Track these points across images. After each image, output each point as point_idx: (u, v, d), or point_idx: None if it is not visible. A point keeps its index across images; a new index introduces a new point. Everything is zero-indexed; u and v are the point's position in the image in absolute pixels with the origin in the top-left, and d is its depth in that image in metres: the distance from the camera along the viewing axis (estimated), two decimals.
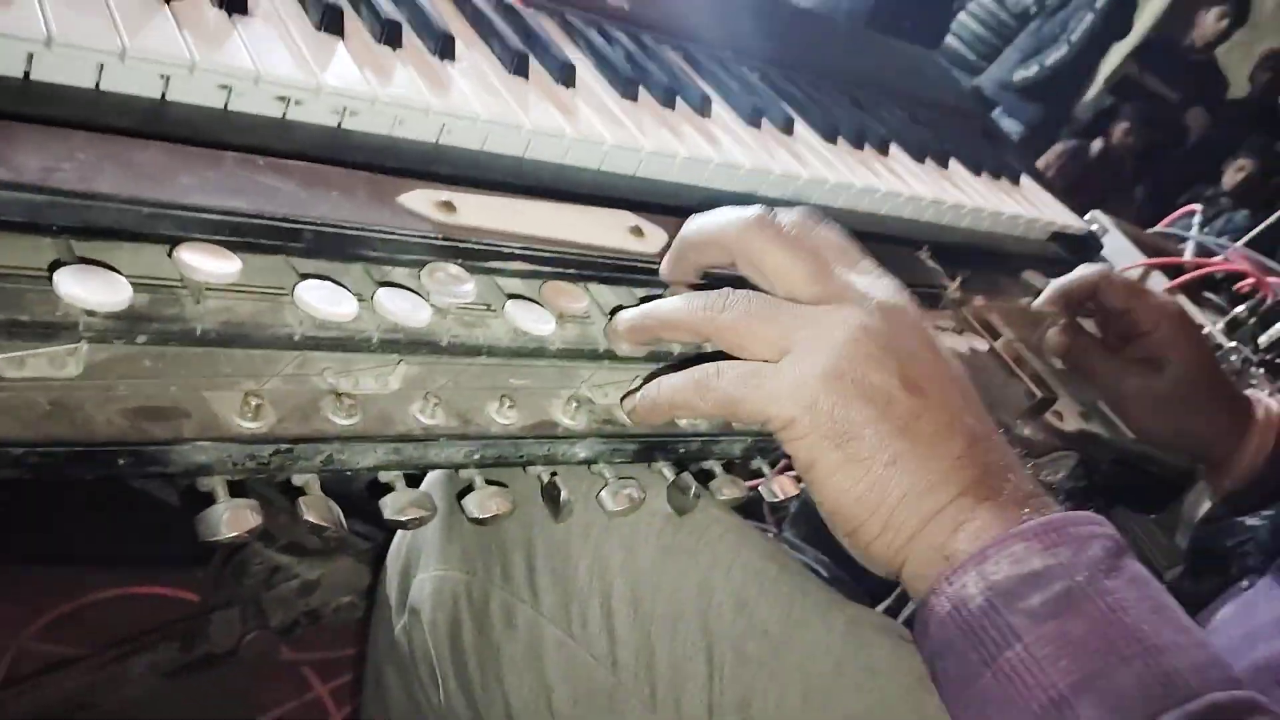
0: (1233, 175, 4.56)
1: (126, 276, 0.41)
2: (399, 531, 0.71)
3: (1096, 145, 4.92)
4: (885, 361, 0.48)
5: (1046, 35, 4.68)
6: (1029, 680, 0.42)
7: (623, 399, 0.56)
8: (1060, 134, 4.90)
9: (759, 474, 0.67)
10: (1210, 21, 5.02)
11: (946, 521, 0.47)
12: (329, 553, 0.90)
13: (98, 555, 1.13)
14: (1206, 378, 0.85)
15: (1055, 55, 4.65)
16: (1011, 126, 4.86)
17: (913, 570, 0.48)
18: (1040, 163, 4.89)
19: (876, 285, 0.52)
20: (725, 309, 0.50)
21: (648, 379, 0.55)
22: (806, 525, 1.74)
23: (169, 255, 0.43)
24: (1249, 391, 0.90)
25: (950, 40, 4.92)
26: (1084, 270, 0.85)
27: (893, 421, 0.47)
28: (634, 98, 0.76)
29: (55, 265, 0.41)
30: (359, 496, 0.56)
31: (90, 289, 0.40)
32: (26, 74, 0.48)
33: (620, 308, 0.58)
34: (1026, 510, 0.47)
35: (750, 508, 1.55)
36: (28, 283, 0.42)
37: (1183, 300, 1.43)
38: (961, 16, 4.96)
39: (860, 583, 1.29)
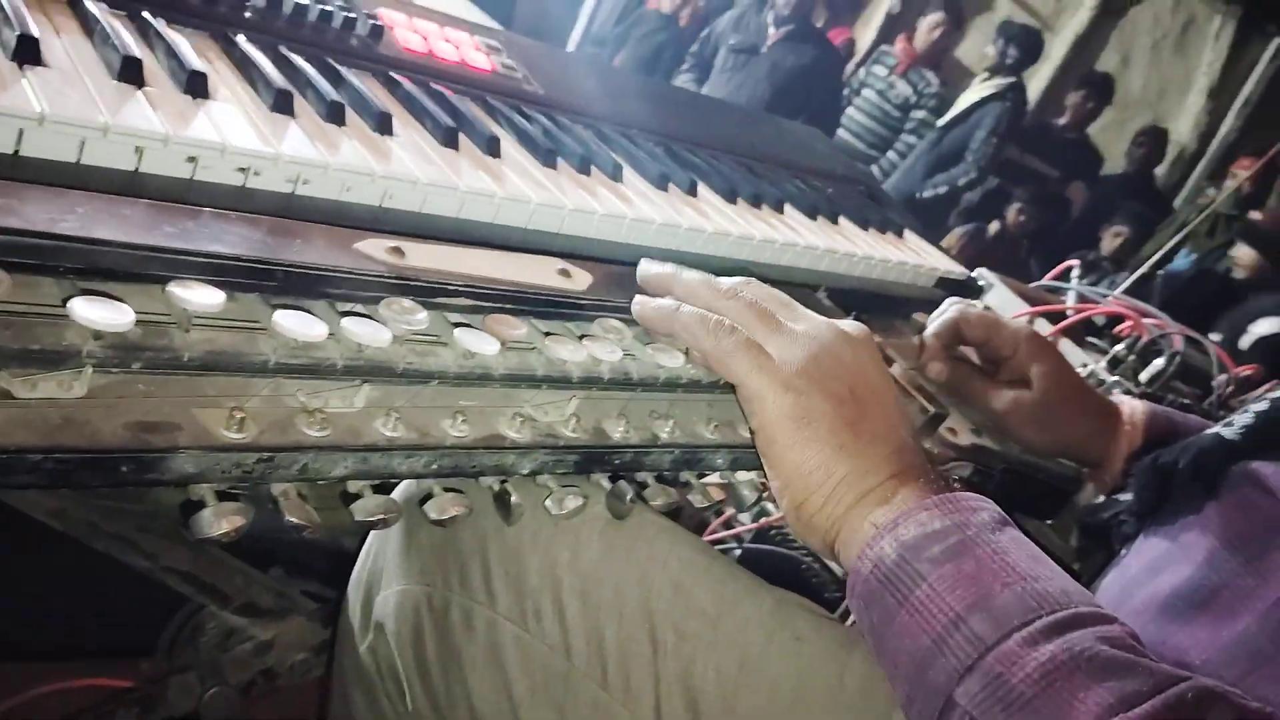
0: (1110, 240, 4.89)
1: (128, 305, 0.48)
2: (359, 561, 0.76)
3: (994, 227, 5.22)
4: (842, 374, 0.61)
5: (947, 151, 5.00)
6: (932, 609, 0.52)
7: (635, 301, 0.68)
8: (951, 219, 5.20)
9: (686, 485, 0.74)
10: (1076, 102, 5.41)
11: (873, 500, 0.58)
12: (283, 613, 0.93)
13: (37, 651, 1.14)
14: (1069, 387, 0.94)
15: (965, 177, 4.98)
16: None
17: (844, 538, 0.59)
18: (943, 244, 5.16)
19: (840, 322, 0.67)
20: (739, 296, 0.66)
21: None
22: None
23: (161, 292, 0.50)
24: (1113, 396, 1.00)
25: (840, 133, 5.24)
26: (945, 313, 0.95)
27: (844, 418, 0.59)
28: (553, 166, 0.85)
29: (67, 299, 0.47)
30: (308, 555, 0.62)
31: (100, 313, 0.46)
32: (16, 151, 0.55)
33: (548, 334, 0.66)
34: (934, 492, 0.58)
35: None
36: (37, 318, 0.48)
37: (1066, 343, 1.56)
38: (849, 110, 5.29)
39: None
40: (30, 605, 1.08)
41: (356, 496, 0.57)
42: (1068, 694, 0.46)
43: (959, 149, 5.04)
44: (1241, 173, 4.57)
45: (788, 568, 1.78)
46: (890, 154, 5.31)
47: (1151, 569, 0.66)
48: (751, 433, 0.63)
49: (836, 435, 0.59)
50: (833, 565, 1.76)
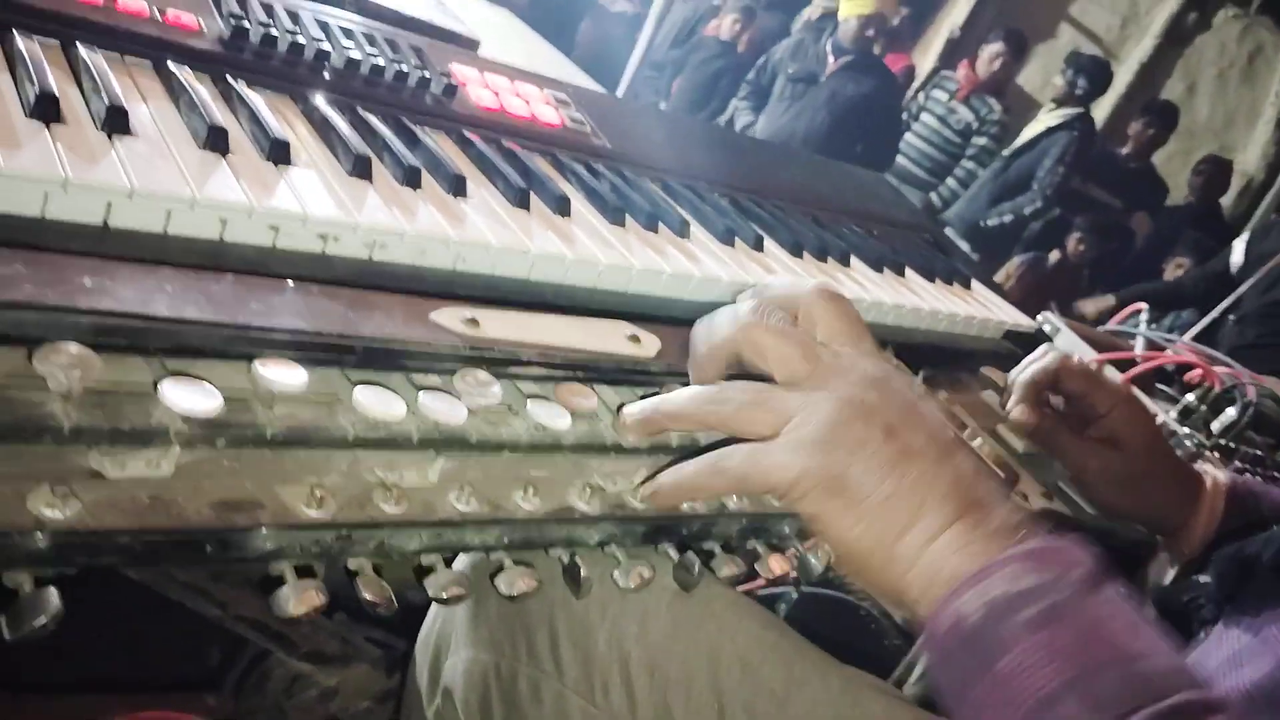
0: (1172, 272, 4.79)
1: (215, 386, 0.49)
2: (427, 622, 0.77)
3: (1054, 256, 5.15)
4: (869, 419, 0.55)
5: (1014, 179, 4.95)
6: (1021, 684, 0.48)
7: (637, 487, 0.62)
8: (1014, 248, 5.14)
9: (756, 554, 0.73)
10: (1139, 131, 5.32)
11: (943, 549, 0.53)
12: (347, 659, 0.94)
13: (105, 681, 1.16)
14: (1159, 454, 0.92)
15: (1031, 206, 4.93)
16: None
17: (916, 595, 0.53)
18: (1000, 274, 5.11)
19: (861, 360, 0.59)
20: (726, 401, 0.57)
21: (658, 470, 0.62)
22: (798, 629, 1.78)
23: (247, 370, 0.51)
24: (1197, 465, 0.98)
25: (900, 160, 5.20)
26: (1044, 360, 0.92)
27: (880, 467, 0.54)
28: (621, 224, 0.85)
29: (156, 381, 0.48)
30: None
31: (189, 398, 0.47)
32: (106, 221, 0.56)
33: (623, 404, 0.66)
34: (1018, 536, 0.53)
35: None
36: (126, 397, 0.49)
37: (1135, 393, 1.53)
38: (909, 136, 5.25)
39: None
40: (98, 636, 1.11)
41: (430, 569, 0.57)
42: None
43: (1025, 177, 4.98)
44: None
45: (845, 612, 1.76)
46: (950, 180, 5.26)
47: (1233, 661, 0.64)
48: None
49: (877, 487, 0.54)
50: (892, 612, 1.74)
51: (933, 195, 5.27)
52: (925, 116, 5.26)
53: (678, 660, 0.64)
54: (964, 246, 5.13)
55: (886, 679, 1.45)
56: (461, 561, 0.70)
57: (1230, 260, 4.08)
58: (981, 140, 5.19)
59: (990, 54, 5.11)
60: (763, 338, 0.59)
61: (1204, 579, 0.74)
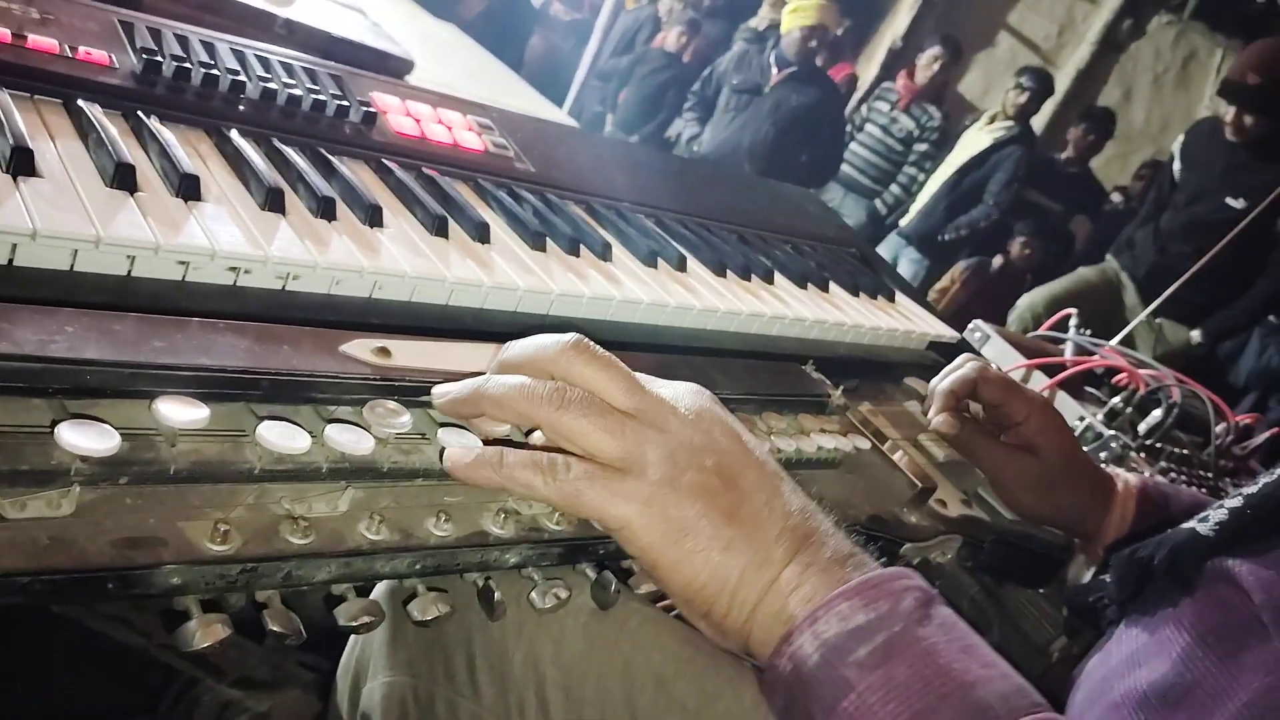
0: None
1: (113, 426, 0.49)
2: (347, 648, 0.77)
3: (997, 260, 5.23)
4: (705, 461, 0.54)
5: (967, 192, 5.05)
6: None
7: (443, 453, 0.58)
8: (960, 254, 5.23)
9: None
10: (1078, 136, 5.44)
11: (781, 590, 0.53)
12: (278, 685, 0.94)
13: (32, 712, 1.14)
14: (1073, 460, 0.95)
15: (985, 220, 5.05)
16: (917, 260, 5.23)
17: (758, 638, 0.54)
18: (945, 279, 5.20)
19: (682, 395, 0.58)
20: (565, 403, 0.54)
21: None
22: None
23: (148, 408, 0.51)
24: (1116, 468, 1.01)
25: (846, 169, 5.27)
26: (963, 369, 0.95)
27: (720, 512, 0.53)
28: (543, 249, 0.87)
29: (54, 422, 0.48)
30: (304, 627, 0.63)
31: (86, 438, 0.47)
32: (10, 261, 0.56)
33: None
34: (847, 570, 0.53)
35: None
36: (26, 437, 0.49)
37: (1063, 395, 1.56)
38: (854, 146, 5.33)
39: None
40: (28, 670, 1.09)
41: (341, 599, 0.58)
42: None
43: (977, 190, 5.08)
44: None
45: None
46: (894, 187, 5.35)
47: (1131, 662, 0.67)
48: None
49: (719, 535, 0.53)
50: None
51: (877, 202, 5.35)
52: (869, 127, 5.34)
53: (593, 679, 0.65)
54: (916, 256, 5.24)
55: None
56: (381, 588, 0.71)
57: (1174, 168, 4.03)
58: (923, 147, 5.29)
59: (928, 58, 5.20)
60: (587, 367, 0.55)
61: (1108, 579, 0.76)
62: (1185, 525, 0.69)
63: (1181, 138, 4.07)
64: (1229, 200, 3.70)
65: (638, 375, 0.57)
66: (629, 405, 0.55)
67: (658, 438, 0.54)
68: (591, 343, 0.57)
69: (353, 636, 0.76)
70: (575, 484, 0.53)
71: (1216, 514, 0.68)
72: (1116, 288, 4.07)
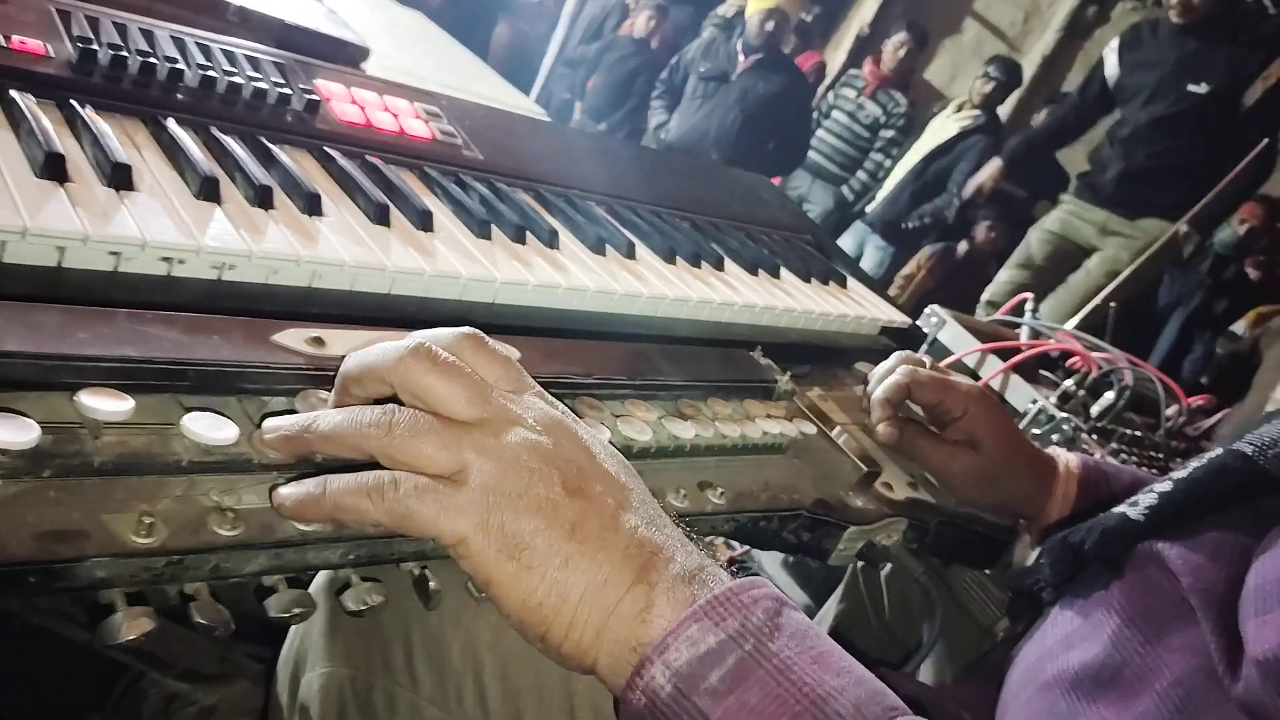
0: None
1: (35, 420, 0.49)
2: (287, 640, 0.77)
3: (962, 246, 5.27)
4: (548, 473, 0.51)
5: (931, 180, 5.08)
6: None
7: (271, 490, 0.55)
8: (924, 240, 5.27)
9: None
10: (1043, 119, 5.48)
11: (626, 613, 0.50)
12: (226, 677, 0.94)
13: None
14: (1014, 449, 0.96)
15: (949, 208, 5.09)
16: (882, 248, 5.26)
17: (606, 665, 0.51)
18: (910, 265, 5.23)
19: (532, 404, 0.55)
20: (393, 428, 0.51)
21: (296, 476, 0.55)
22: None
23: (70, 400, 0.51)
24: (1050, 449, 1.02)
25: (813, 155, 5.29)
26: (895, 375, 0.95)
27: (560, 527, 0.50)
28: (488, 236, 0.87)
29: None
30: (249, 619, 0.63)
31: (4, 432, 0.47)
32: None
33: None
34: (695, 587, 0.51)
35: None
36: None
37: (1016, 379, 1.58)
38: (821, 133, 5.35)
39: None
40: None
41: (272, 590, 0.58)
42: None
43: (942, 178, 5.11)
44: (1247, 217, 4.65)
45: None
46: (860, 174, 5.38)
47: (1064, 643, 0.68)
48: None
49: (557, 550, 0.50)
50: (795, 601, 1.77)
51: (844, 189, 5.37)
52: (835, 114, 5.36)
53: (531, 666, 0.66)
54: (881, 244, 5.26)
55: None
56: (319, 578, 0.71)
57: (1105, 74, 4.04)
58: (889, 133, 5.31)
59: (894, 44, 5.22)
60: (426, 376, 0.52)
61: (1042, 561, 0.78)
62: (1117, 509, 0.70)
63: (1115, 43, 4.05)
64: (1191, 88, 3.69)
65: (493, 378, 0.55)
66: (469, 415, 0.52)
67: (496, 447, 0.51)
68: (432, 348, 0.53)
69: (293, 628, 0.76)
70: (405, 502, 0.50)
71: (1146, 498, 0.69)
72: (1079, 228, 4.11)
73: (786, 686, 0.47)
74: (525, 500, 0.50)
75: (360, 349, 0.56)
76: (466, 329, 0.57)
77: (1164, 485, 0.70)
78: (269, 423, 0.54)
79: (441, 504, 0.49)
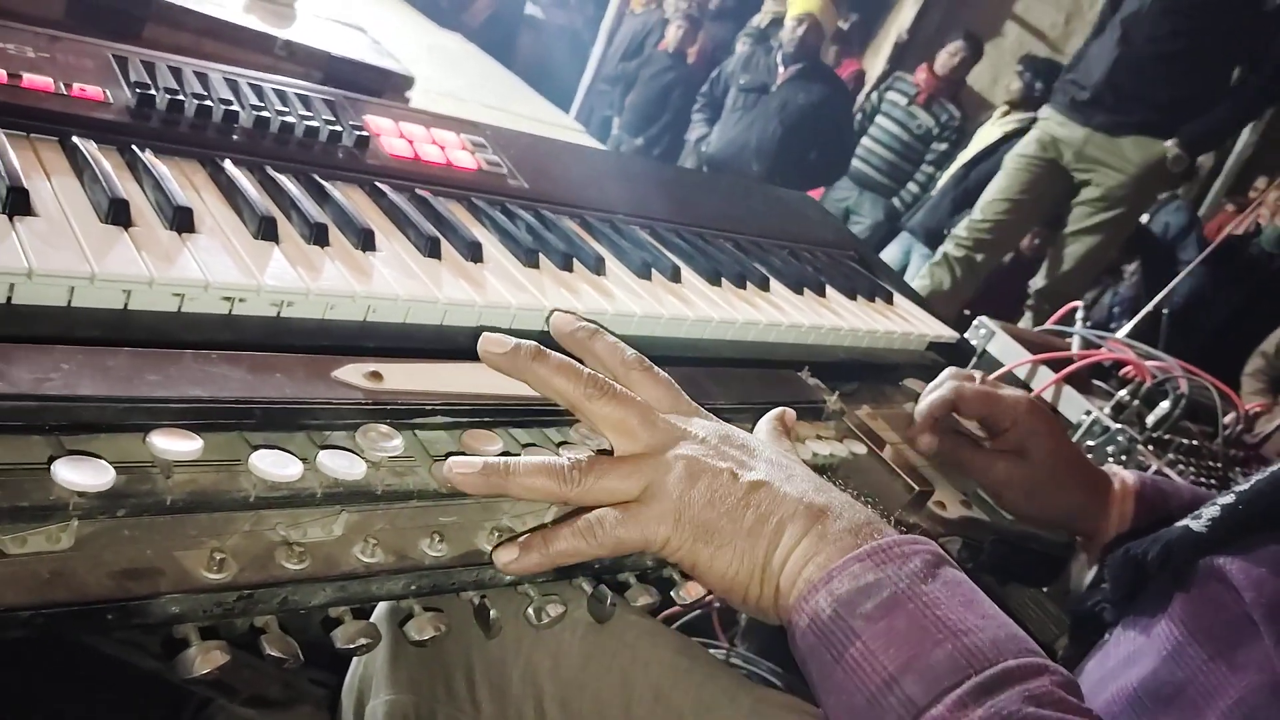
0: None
1: (109, 461, 0.51)
2: (351, 668, 0.78)
3: (1007, 255, 5.20)
4: (718, 468, 0.61)
5: (973, 186, 5.02)
6: (866, 668, 0.54)
7: (494, 549, 0.62)
8: None
9: (671, 582, 0.76)
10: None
11: (799, 560, 0.59)
12: (290, 702, 0.96)
13: None
14: (1066, 460, 0.95)
15: None
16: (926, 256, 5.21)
17: (784, 604, 0.59)
18: (927, 269, 5.16)
19: (690, 417, 0.65)
20: (582, 480, 0.60)
21: (510, 538, 0.62)
22: (758, 640, 1.81)
23: (142, 441, 0.53)
24: (1106, 467, 1.01)
25: (858, 164, 5.25)
26: (941, 390, 0.95)
27: (735, 505, 0.59)
28: (536, 265, 0.88)
29: (51, 459, 0.50)
30: (312, 646, 0.64)
31: (81, 474, 0.49)
32: (8, 299, 0.58)
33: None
34: (860, 538, 0.59)
35: (702, 627, 1.62)
36: (25, 474, 0.51)
37: (1069, 390, 1.56)
38: (867, 142, 5.31)
39: (806, 687, 1.36)
40: (42, 696, 1.11)
41: (339, 621, 0.59)
42: None
43: (984, 184, 5.05)
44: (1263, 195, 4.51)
45: None
46: (911, 185, 5.34)
47: (1126, 661, 0.67)
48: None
49: (739, 525, 0.59)
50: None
51: (895, 200, 5.34)
52: (882, 120, 5.31)
53: (590, 693, 0.66)
54: (925, 252, 5.21)
55: None
56: (380, 608, 0.72)
57: None
58: (942, 145, 5.28)
59: (950, 51, 5.18)
60: (603, 406, 0.62)
61: (1104, 584, 0.77)
62: (1179, 523, 0.70)
63: None
64: None
65: (661, 404, 0.65)
66: (644, 437, 0.62)
67: (669, 460, 0.61)
68: (600, 383, 0.63)
69: (355, 657, 0.77)
70: (613, 534, 0.59)
71: (1210, 511, 0.69)
72: (1057, 149, 3.78)
73: (931, 619, 0.54)
74: (704, 495, 0.59)
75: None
76: (629, 355, 0.67)
77: (1227, 498, 0.69)
78: (457, 461, 0.60)
79: (640, 523, 0.59)
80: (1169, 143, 3.47)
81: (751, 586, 0.60)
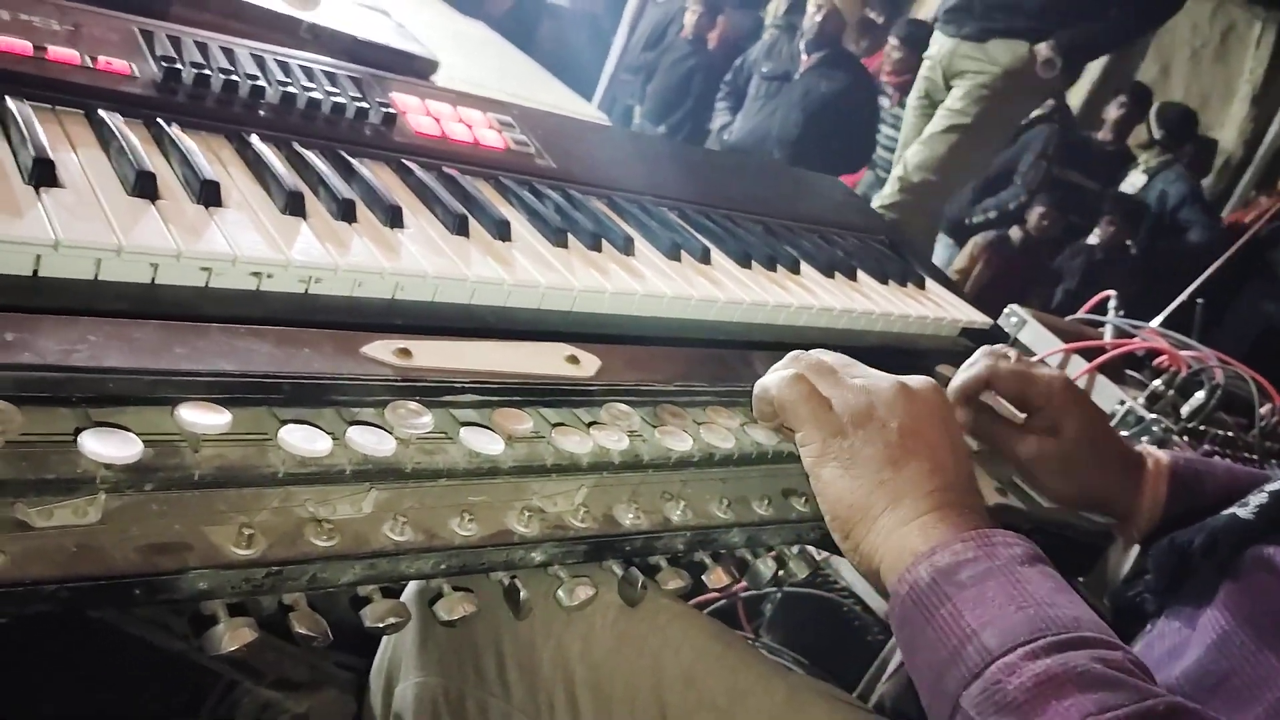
0: (1104, 228, 4.90)
1: (136, 433, 0.50)
2: (380, 649, 0.78)
3: (1016, 233, 5.13)
4: (893, 421, 0.67)
5: (995, 174, 4.96)
6: (953, 625, 0.57)
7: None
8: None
9: (703, 566, 0.74)
10: (1113, 111, 5.34)
11: (914, 529, 0.63)
12: (316, 685, 0.95)
13: (76, 715, 1.16)
14: (1099, 438, 0.93)
15: (1014, 200, 4.93)
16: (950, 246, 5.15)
17: (887, 564, 0.63)
18: (963, 258, 5.11)
19: (895, 381, 0.71)
20: (787, 389, 0.70)
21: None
22: (782, 630, 1.80)
23: (170, 415, 0.52)
24: (1140, 447, 0.98)
25: (885, 154, 5.21)
26: (975, 368, 0.93)
27: (888, 457, 0.65)
28: (564, 245, 0.86)
29: (78, 430, 0.49)
30: (339, 628, 0.63)
31: (109, 446, 0.48)
32: (35, 272, 0.57)
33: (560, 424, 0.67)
34: (973, 523, 0.63)
35: (728, 616, 1.61)
36: (51, 447, 0.50)
37: (1103, 379, 1.54)
38: (890, 131, 5.26)
39: (835, 677, 1.34)
40: (70, 676, 1.11)
41: (367, 600, 0.58)
42: (1055, 701, 0.51)
43: (1007, 171, 4.99)
44: None
45: (829, 610, 1.77)
46: None
47: (1172, 653, 0.65)
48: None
49: (879, 472, 0.64)
50: (874, 608, 1.75)
51: None
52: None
53: (621, 677, 0.65)
54: (948, 241, 5.16)
55: (867, 671, 1.47)
56: (410, 588, 0.71)
57: None
58: None
59: None
60: (831, 355, 0.74)
61: (1148, 574, 0.75)
62: (1226, 511, 0.68)
63: None
64: None
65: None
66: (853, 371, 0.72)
67: (862, 396, 0.68)
68: (825, 354, 0.75)
69: (385, 637, 0.76)
70: (796, 395, 0.69)
71: (1257, 498, 0.67)
72: (935, 81, 3.50)
73: (1021, 592, 0.57)
74: (869, 430, 0.66)
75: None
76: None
77: (1276, 485, 0.67)
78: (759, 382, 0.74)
79: (814, 411, 0.68)
80: (1041, 45, 3.23)
81: (859, 525, 0.65)
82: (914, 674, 0.60)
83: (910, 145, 3.60)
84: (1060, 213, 4.97)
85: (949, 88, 3.47)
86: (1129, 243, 5.08)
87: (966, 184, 4.23)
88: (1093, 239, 5.04)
